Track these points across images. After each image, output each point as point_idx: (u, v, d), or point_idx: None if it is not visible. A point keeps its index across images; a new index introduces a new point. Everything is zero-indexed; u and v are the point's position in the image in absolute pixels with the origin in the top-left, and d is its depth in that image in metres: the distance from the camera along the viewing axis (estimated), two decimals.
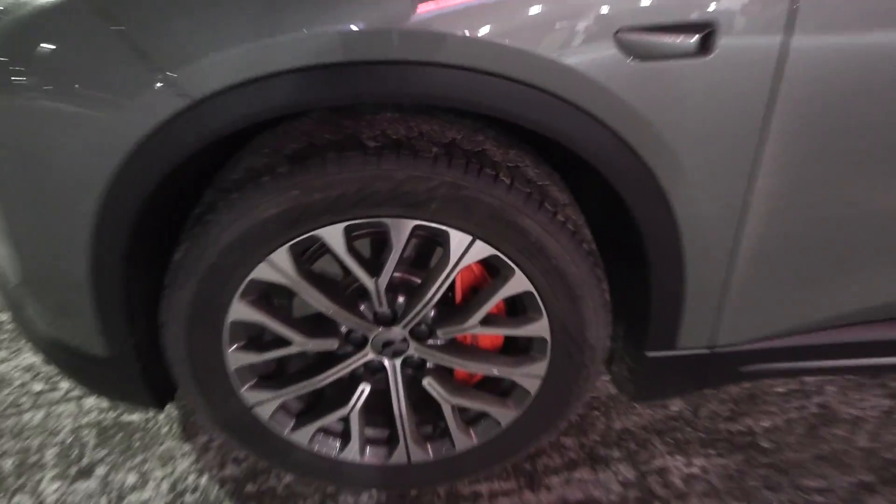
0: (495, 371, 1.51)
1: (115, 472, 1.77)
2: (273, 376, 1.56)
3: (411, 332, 1.46)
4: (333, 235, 1.29)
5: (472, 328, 1.43)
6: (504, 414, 1.58)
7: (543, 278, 1.36)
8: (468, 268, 1.48)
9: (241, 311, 1.37)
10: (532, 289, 1.38)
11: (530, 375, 1.51)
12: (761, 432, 1.92)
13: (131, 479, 1.75)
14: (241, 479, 1.76)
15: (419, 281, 1.45)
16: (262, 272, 1.33)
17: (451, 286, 1.50)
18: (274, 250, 1.30)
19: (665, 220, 1.31)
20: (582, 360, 1.48)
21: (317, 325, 1.47)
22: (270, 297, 1.46)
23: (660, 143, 1.21)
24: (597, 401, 2.02)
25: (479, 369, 1.51)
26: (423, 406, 1.59)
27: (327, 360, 1.51)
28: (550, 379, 1.51)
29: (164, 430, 1.89)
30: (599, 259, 1.43)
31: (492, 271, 1.47)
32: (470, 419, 1.64)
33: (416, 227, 1.29)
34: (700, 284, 1.41)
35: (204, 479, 1.75)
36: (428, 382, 1.53)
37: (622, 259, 1.54)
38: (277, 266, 1.32)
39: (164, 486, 1.73)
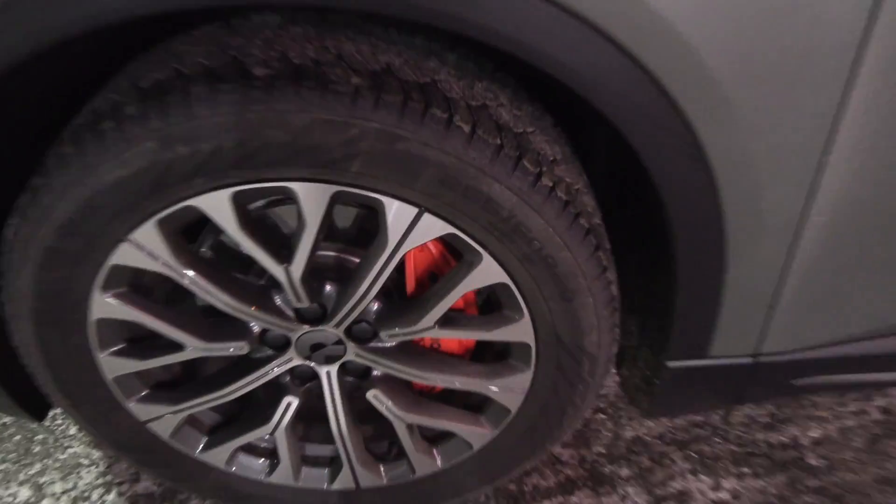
0: (461, 384, 1.13)
1: (5, 484, 1.44)
2: (176, 385, 1.20)
3: (348, 333, 1.08)
4: (217, 206, 0.90)
5: (427, 330, 1.05)
6: (476, 434, 1.21)
7: (523, 266, 0.96)
8: (424, 248, 1.09)
9: (105, 306, 1.00)
10: (507, 280, 0.98)
11: (509, 390, 1.13)
12: (809, 445, 1.53)
13: (24, 493, 1.43)
14: (158, 497, 1.43)
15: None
16: (126, 256, 0.95)
17: (402, 273, 1.11)
18: (136, 227, 0.91)
19: (698, 185, 0.90)
20: (578, 373, 1.09)
21: (220, 323, 1.09)
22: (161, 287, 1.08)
23: (695, 67, 0.79)
24: (603, 399, 1.64)
25: (441, 381, 1.13)
26: (374, 417, 1.23)
27: (244, 366, 1.14)
28: (536, 395, 1.13)
29: (72, 431, 1.55)
30: (606, 239, 1.03)
31: (456, 253, 1.08)
32: (434, 437, 1.27)
33: (336, 196, 0.90)
34: (747, 276, 1.00)
35: (111, 497, 1.42)
36: (374, 395, 1.16)
37: (638, 240, 1.13)
38: (145, 248, 0.94)
39: (63, 503, 1.41)
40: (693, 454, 1.51)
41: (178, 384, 1.20)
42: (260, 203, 1.08)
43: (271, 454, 1.27)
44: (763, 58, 0.80)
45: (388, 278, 1.09)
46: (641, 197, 1.05)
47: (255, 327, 1.09)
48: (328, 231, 1.10)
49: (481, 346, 1.22)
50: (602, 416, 1.59)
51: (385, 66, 0.86)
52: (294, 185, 0.88)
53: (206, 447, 1.22)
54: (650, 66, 0.79)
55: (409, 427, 1.20)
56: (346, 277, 1.04)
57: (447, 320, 1.05)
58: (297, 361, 1.12)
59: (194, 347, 1.07)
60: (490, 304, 1.14)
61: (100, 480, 1.45)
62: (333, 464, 1.28)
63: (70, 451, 1.51)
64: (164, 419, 1.17)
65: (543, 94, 1.04)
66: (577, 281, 0.98)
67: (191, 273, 0.97)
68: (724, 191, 0.90)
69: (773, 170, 0.90)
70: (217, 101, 0.81)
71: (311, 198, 0.89)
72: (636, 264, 1.15)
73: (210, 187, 0.88)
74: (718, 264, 0.99)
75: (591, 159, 1.10)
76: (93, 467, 1.48)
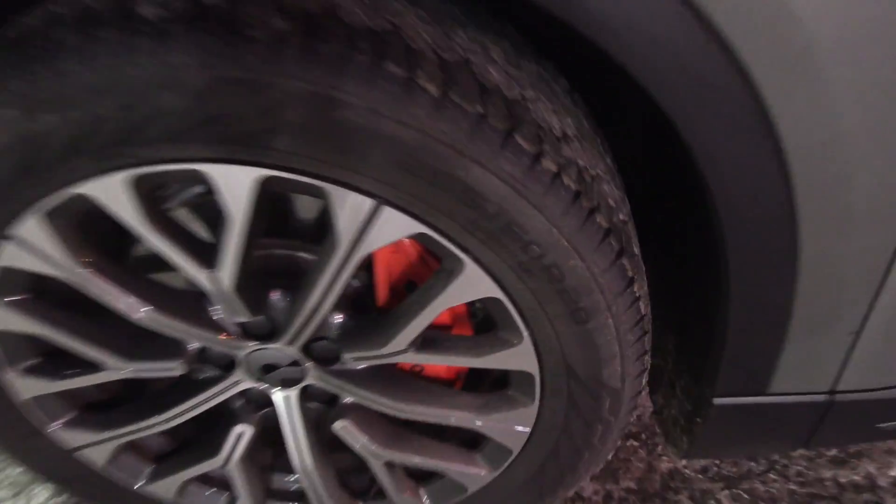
0: (448, 418, 0.91)
1: None
2: (112, 406, 1.00)
3: (306, 351, 0.87)
4: (112, 195, 0.68)
5: (399, 354, 0.82)
6: (470, 476, 0.98)
7: (519, 278, 0.73)
8: (399, 249, 0.86)
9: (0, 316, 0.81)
10: (500, 294, 0.75)
11: (509, 427, 0.90)
12: (888, 486, 1.26)
13: None
14: None
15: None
16: (12, 257, 0.74)
17: (370, 279, 0.88)
18: (17, 220, 0.71)
19: (763, 173, 0.65)
20: (595, 411, 0.86)
21: (149, 338, 0.88)
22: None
23: (771, 13, 0.54)
24: (634, 422, 1.39)
25: (421, 414, 0.91)
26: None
27: (186, 388, 0.94)
28: (544, 434, 0.90)
29: None
30: (633, 242, 0.78)
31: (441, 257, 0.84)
32: (422, 475, 1.05)
33: (266, 182, 0.67)
34: (825, 294, 0.75)
35: None
36: (343, 427, 0.94)
37: (681, 241, 0.88)
38: (32, 246, 0.73)
39: None
40: (743, 494, 1.25)
41: (115, 405, 1.00)
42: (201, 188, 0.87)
43: (230, 486, 1.07)
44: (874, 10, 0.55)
45: (360, 285, 0.88)
46: (686, 185, 0.79)
47: (193, 344, 0.88)
48: (285, 224, 0.89)
49: (477, 371, 0.98)
50: (633, 442, 1.35)
51: (327, 5, 0.63)
52: (206, 168, 0.66)
53: (151, 478, 1.03)
54: (699, 5, 0.54)
55: (389, 464, 0.98)
56: (300, 284, 0.82)
57: (426, 341, 0.83)
58: (246, 384, 0.91)
59: (115, 367, 0.86)
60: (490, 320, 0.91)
61: (52, 501, 1.28)
62: (303, 501, 1.08)
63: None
64: (97, 447, 0.97)
65: (564, 52, 0.79)
66: (592, 297, 0.74)
67: (95, 278, 0.76)
68: (800, 182, 0.65)
69: (871, 157, 0.64)
70: (91, 53, 0.60)
71: (231, 185, 0.67)
72: (676, 270, 0.90)
73: (98, 170, 0.66)
74: (787, 278, 0.73)
75: (627, 137, 0.85)
76: (48, 485, 1.31)
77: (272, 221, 0.85)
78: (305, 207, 0.89)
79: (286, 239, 0.87)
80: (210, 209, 0.88)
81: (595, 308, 0.75)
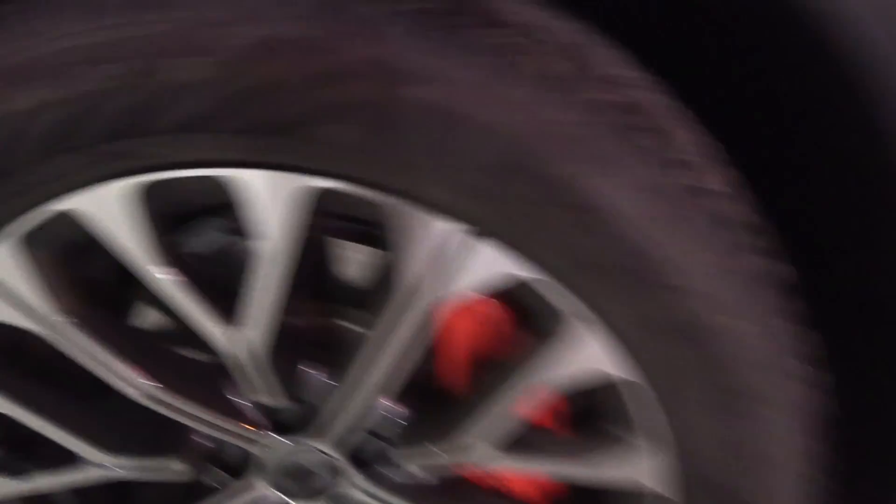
0: None
1: None
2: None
3: (347, 452, 0.65)
4: (107, 212, 0.51)
5: (470, 453, 0.60)
6: None
7: (642, 341, 0.52)
8: (470, 313, 0.66)
9: None
10: (616, 365, 0.54)
11: None
12: None
13: None
14: None
15: None
16: None
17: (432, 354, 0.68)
18: None
19: None
20: None
21: (144, 424, 0.67)
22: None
23: None
24: None
25: None
26: None
27: (179, 493, 0.72)
28: None
29: None
30: (796, 296, 0.58)
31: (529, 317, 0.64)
32: None
33: (319, 197, 0.49)
34: None
35: None
36: None
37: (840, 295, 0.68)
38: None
39: None
40: None
41: None
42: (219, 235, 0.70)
43: None
44: None
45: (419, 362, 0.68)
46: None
47: (203, 434, 0.67)
48: (326, 286, 0.70)
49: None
50: None
51: None
52: (235, 175, 0.48)
53: None
54: None
55: None
56: (349, 358, 0.62)
57: (520, 442, 0.60)
58: (260, 492, 0.69)
59: (94, 462, 0.65)
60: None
61: None
62: None
63: None
64: None
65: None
66: (745, 373, 0.54)
67: (77, 332, 0.57)
68: None
69: None
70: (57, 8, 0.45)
71: (271, 201, 0.49)
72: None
73: (90, 176, 0.49)
74: None
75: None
76: None
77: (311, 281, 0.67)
78: (355, 264, 0.71)
79: (332, 304, 0.68)
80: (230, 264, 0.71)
81: (748, 388, 0.54)
